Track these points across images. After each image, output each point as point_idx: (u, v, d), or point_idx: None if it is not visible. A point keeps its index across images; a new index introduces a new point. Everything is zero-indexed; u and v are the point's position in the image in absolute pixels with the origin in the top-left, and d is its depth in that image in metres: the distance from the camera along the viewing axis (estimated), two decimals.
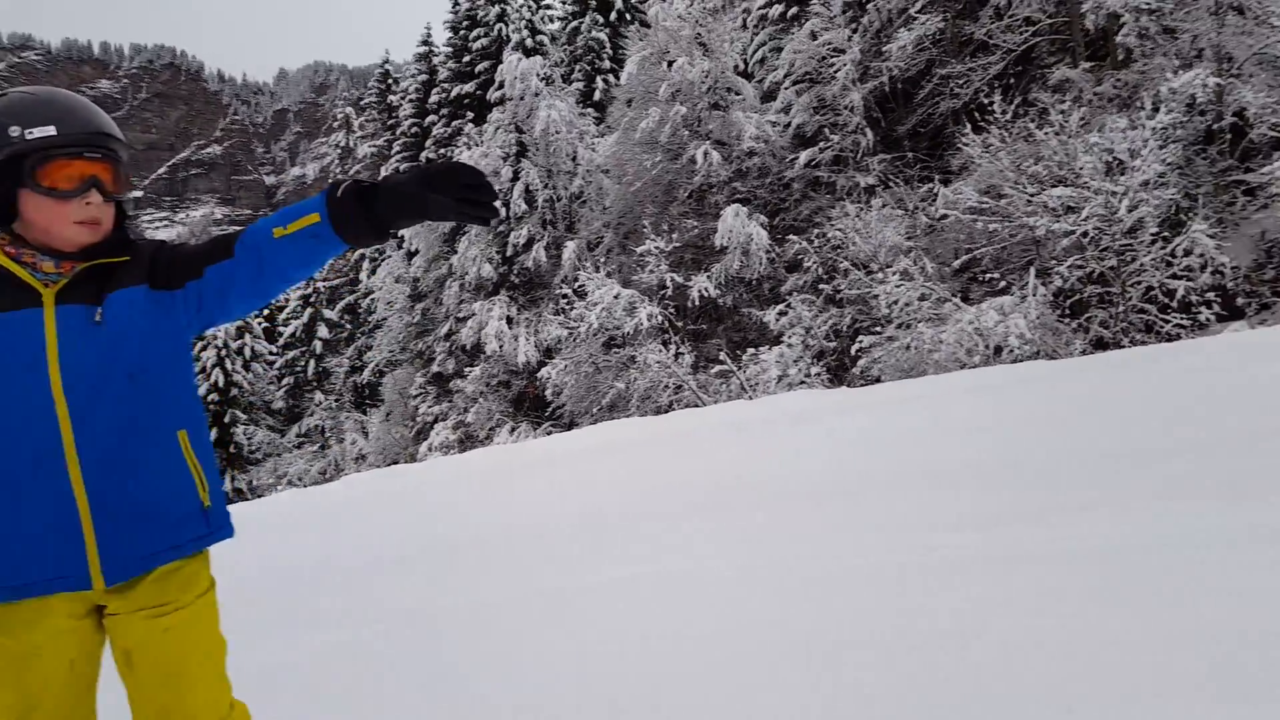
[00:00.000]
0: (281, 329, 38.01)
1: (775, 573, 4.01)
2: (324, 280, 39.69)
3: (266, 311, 39.00)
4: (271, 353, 36.08)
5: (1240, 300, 13.10)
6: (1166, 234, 12.80)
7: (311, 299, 37.30)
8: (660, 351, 15.91)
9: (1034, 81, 16.33)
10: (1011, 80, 16.85)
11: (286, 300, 38.06)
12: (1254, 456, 4.60)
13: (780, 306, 16.21)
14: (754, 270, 17.25)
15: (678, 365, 15.79)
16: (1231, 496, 3.98)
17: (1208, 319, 12.28)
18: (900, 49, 17.31)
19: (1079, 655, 2.64)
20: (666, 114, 19.39)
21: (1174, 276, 12.59)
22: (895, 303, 14.44)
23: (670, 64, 19.64)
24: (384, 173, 34.04)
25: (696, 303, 17.20)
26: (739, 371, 15.10)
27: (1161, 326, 12.62)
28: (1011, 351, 12.63)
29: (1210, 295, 12.37)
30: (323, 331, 36.98)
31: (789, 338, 15.37)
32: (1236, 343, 9.30)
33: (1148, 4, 14.68)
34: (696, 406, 14.30)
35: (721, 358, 15.44)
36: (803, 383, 14.42)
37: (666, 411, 14.44)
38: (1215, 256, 12.32)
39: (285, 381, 36.36)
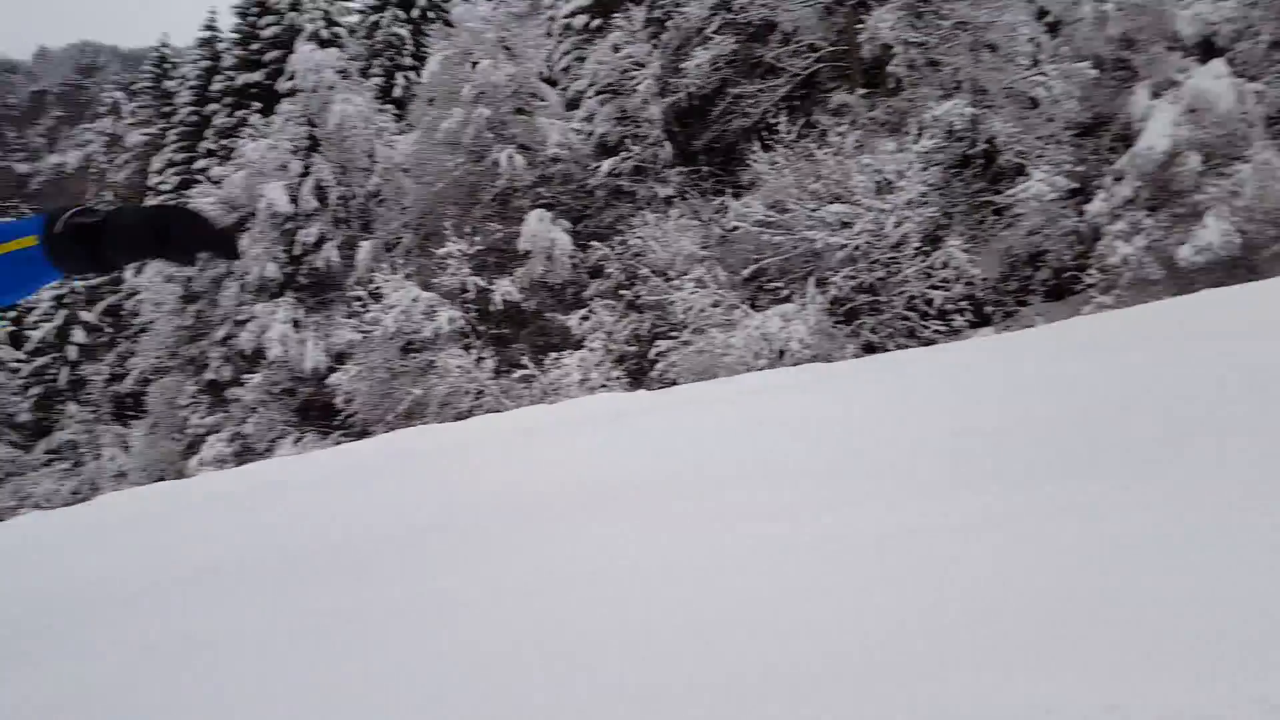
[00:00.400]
0: (30, 333, 33.82)
1: (622, 571, 4.04)
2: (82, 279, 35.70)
3: (13, 314, 34.56)
4: (18, 360, 32.01)
5: (988, 309, 14.66)
6: (927, 248, 14.11)
7: (66, 300, 33.46)
8: (461, 356, 15.56)
9: (816, 105, 17.47)
10: (797, 103, 17.92)
11: (37, 301, 33.90)
12: (997, 451, 5.10)
13: (583, 311, 16.34)
14: (558, 275, 17.29)
15: (479, 370, 15.51)
16: (981, 488, 4.38)
17: (961, 325, 13.67)
18: (697, 67, 17.97)
19: (875, 633, 2.82)
20: (470, 115, 19.06)
21: (933, 287, 13.89)
22: (690, 309, 14.94)
23: (474, 65, 19.36)
24: (156, 163, 31.26)
25: (499, 307, 17.00)
26: (541, 375, 15.06)
27: (922, 332, 13.88)
28: (793, 355, 13.41)
29: (963, 304, 13.78)
30: (79, 336, 33.20)
31: (591, 342, 15.52)
32: (984, 346, 10.36)
33: (915, 38, 16.13)
34: (498, 411, 14.09)
35: (524, 362, 15.34)
36: (603, 386, 14.59)
37: (466, 417, 14.13)
38: (968, 269, 13.71)
39: (33, 392, 32.33)
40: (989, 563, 3.34)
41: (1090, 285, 13.71)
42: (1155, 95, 13.98)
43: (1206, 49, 14.85)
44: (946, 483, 4.58)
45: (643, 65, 18.58)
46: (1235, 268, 12.36)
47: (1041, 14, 16.14)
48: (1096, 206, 13.72)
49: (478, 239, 17.85)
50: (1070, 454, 4.68)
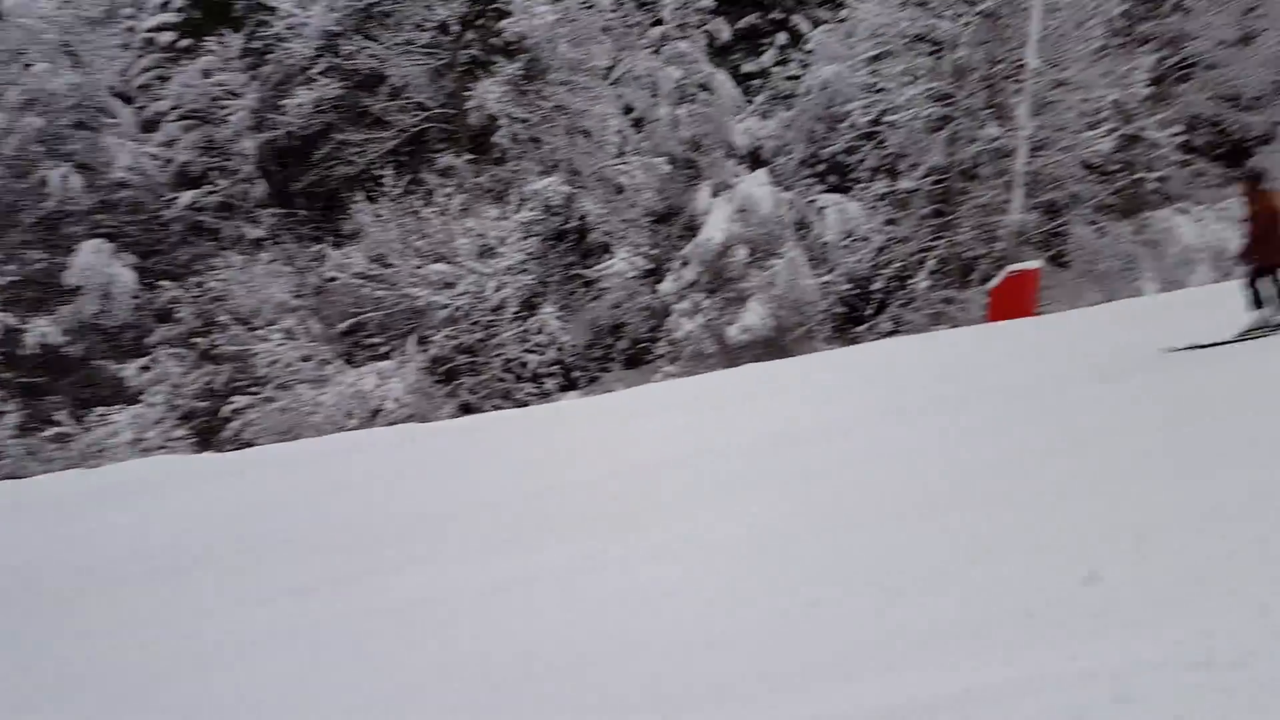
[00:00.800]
0: None
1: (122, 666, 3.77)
2: None
3: None
4: None
5: (576, 374, 15.64)
6: (524, 314, 14.75)
7: None
8: None
9: (424, 163, 17.48)
10: (404, 158, 17.78)
11: None
12: (543, 510, 5.32)
13: (144, 360, 14.41)
14: (115, 316, 15.12)
15: None
16: (524, 544, 4.49)
17: (551, 389, 14.42)
18: (298, 106, 17.05)
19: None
20: (15, 123, 16.25)
21: (528, 351, 14.52)
22: (276, 362, 13.91)
23: (27, 66, 16.59)
24: None
25: (34, 350, 14.41)
26: (83, 434, 12.91)
27: (517, 393, 14.37)
28: (388, 414, 13.06)
29: (554, 368, 14.57)
30: None
31: (151, 396, 13.69)
32: (566, 409, 10.97)
33: (519, 114, 16.92)
34: (17, 478, 11.73)
35: (60, 418, 13.06)
36: (163, 447, 12.91)
37: None
38: (559, 336, 14.56)
39: None
40: (513, 618, 3.43)
41: (661, 355, 15.34)
42: (715, 194, 16.24)
43: (754, 159, 17.68)
44: (493, 543, 4.70)
45: (238, 95, 17.22)
46: (770, 346, 14.66)
47: (628, 109, 17.94)
48: (667, 286, 15.48)
49: (11, 268, 15.02)
50: (588, 514, 5.05)
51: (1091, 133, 14.68)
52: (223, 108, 17.12)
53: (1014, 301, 12.14)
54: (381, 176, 15.76)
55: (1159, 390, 5.53)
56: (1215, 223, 13.90)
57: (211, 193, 16.62)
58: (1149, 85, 15.14)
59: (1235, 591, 2.38)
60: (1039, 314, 12.26)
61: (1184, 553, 2.78)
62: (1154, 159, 15.12)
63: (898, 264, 15.60)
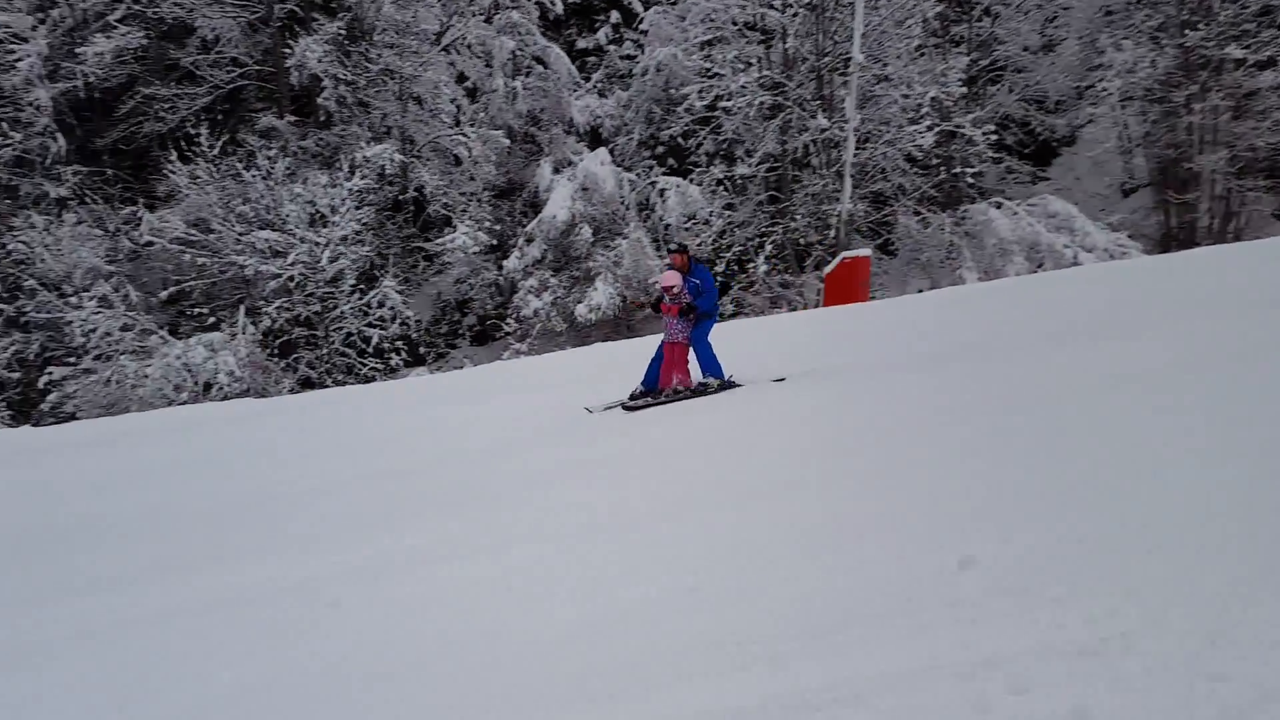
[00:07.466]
0: None
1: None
2: None
3: None
4: None
5: (422, 349, 15.57)
6: (363, 286, 14.49)
7: None
8: None
9: (243, 122, 16.61)
10: (220, 116, 16.81)
11: None
12: (369, 498, 5.45)
13: None
14: None
15: None
16: (349, 540, 4.57)
17: (397, 364, 14.34)
18: (97, 55, 15.70)
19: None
20: None
21: (370, 325, 14.34)
22: (93, 331, 13.09)
23: None
24: None
25: None
26: None
27: (360, 369, 14.21)
28: (222, 388, 12.65)
29: (399, 344, 14.47)
30: None
31: None
32: (412, 385, 10.99)
33: (344, 75, 16.28)
34: None
35: None
36: None
37: None
38: (402, 310, 14.45)
39: None
40: (356, 614, 3.39)
41: (509, 333, 15.41)
42: (556, 171, 16.39)
43: (595, 137, 17.82)
44: (326, 532, 4.72)
45: (24, 39, 15.67)
46: (618, 325, 15.06)
47: (462, 78, 17.57)
48: (512, 263, 15.55)
49: None
50: (429, 499, 5.21)
51: (913, 127, 15.35)
52: (10, 53, 15.53)
53: (847, 287, 12.30)
54: (196, 135, 14.87)
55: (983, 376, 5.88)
56: (1027, 217, 14.97)
57: (4, 146, 15.12)
58: (963, 85, 16.15)
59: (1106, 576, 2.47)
60: (871, 299, 12.56)
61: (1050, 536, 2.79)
62: (969, 155, 16.13)
63: (737, 248, 15.98)
